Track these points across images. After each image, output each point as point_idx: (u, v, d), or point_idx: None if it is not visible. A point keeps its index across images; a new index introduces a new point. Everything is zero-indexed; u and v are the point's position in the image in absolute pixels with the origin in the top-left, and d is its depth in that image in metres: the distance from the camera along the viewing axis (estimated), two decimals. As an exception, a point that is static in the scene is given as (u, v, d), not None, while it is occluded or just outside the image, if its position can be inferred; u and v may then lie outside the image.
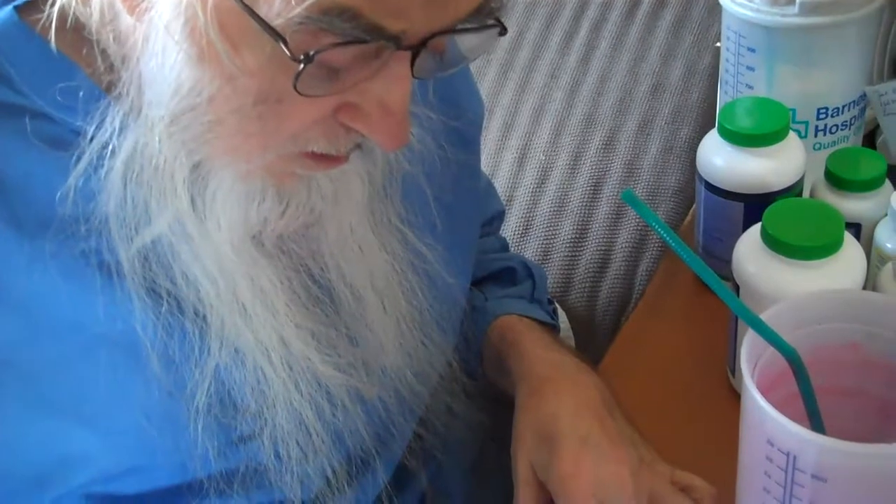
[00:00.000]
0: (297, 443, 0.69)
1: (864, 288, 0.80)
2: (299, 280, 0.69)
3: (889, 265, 0.81)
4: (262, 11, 0.52)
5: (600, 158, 1.30)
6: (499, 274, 0.97)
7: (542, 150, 1.33)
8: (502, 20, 0.59)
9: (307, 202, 0.66)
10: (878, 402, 0.67)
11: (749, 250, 0.80)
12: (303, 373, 0.68)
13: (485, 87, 1.40)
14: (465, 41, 0.60)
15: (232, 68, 0.55)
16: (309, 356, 0.68)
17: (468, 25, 0.57)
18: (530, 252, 1.24)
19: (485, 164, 1.21)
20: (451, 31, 0.57)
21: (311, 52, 0.53)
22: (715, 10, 0.99)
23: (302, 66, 0.53)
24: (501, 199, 1.06)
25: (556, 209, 1.27)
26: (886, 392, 0.66)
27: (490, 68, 1.42)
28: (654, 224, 0.59)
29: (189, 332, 0.65)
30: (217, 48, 0.54)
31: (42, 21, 0.61)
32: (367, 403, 0.74)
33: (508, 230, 1.25)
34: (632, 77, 1.38)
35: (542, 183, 1.30)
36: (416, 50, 0.55)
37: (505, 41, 1.42)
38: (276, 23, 0.52)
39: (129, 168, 0.61)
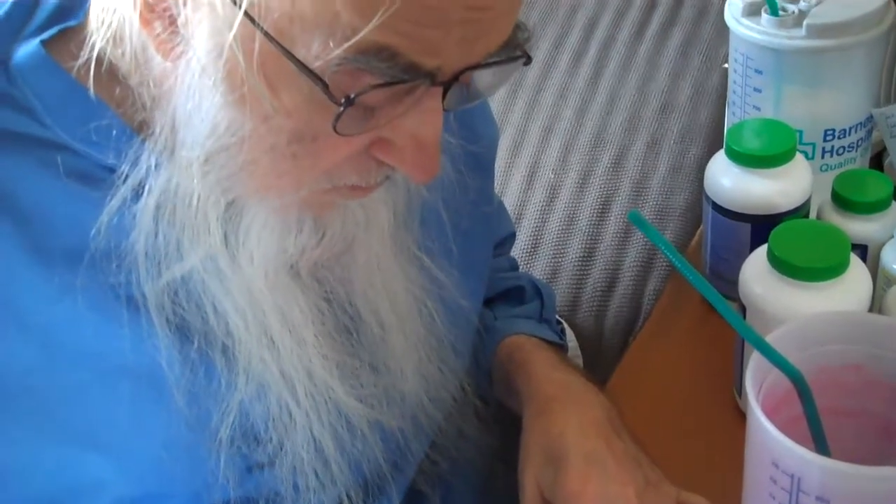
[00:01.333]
0: (315, 472, 0.70)
1: (871, 309, 0.81)
2: (329, 309, 0.69)
3: (895, 288, 0.82)
4: (301, 54, 0.53)
5: (609, 178, 1.31)
6: (508, 293, 0.98)
7: (551, 169, 1.34)
8: (528, 51, 0.60)
9: (342, 230, 0.66)
10: (881, 422, 0.67)
11: (755, 271, 0.81)
12: (325, 403, 0.68)
13: (494, 107, 1.40)
14: (491, 72, 0.60)
15: (268, 109, 0.55)
16: (333, 387, 0.68)
17: (496, 59, 0.58)
18: (539, 270, 1.25)
19: (494, 183, 1.22)
20: (482, 65, 0.58)
21: (352, 95, 0.54)
22: (723, 31, 0.99)
23: (342, 108, 0.54)
24: (511, 217, 1.07)
25: (564, 228, 1.28)
26: (889, 412, 0.67)
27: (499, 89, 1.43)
28: (660, 244, 0.60)
29: (216, 366, 0.66)
30: (255, 90, 0.55)
31: (72, 59, 0.61)
32: (385, 431, 0.74)
33: (518, 248, 1.25)
34: (640, 97, 1.38)
35: (551, 201, 1.31)
36: (448, 85, 0.56)
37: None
38: (315, 65, 0.53)
39: (161, 206, 0.62)
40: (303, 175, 0.60)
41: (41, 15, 0.66)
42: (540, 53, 1.46)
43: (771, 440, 0.58)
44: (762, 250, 0.82)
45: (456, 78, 0.56)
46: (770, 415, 0.59)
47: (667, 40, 1.45)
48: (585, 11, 1.51)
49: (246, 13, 0.52)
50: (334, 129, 0.55)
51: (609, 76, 1.42)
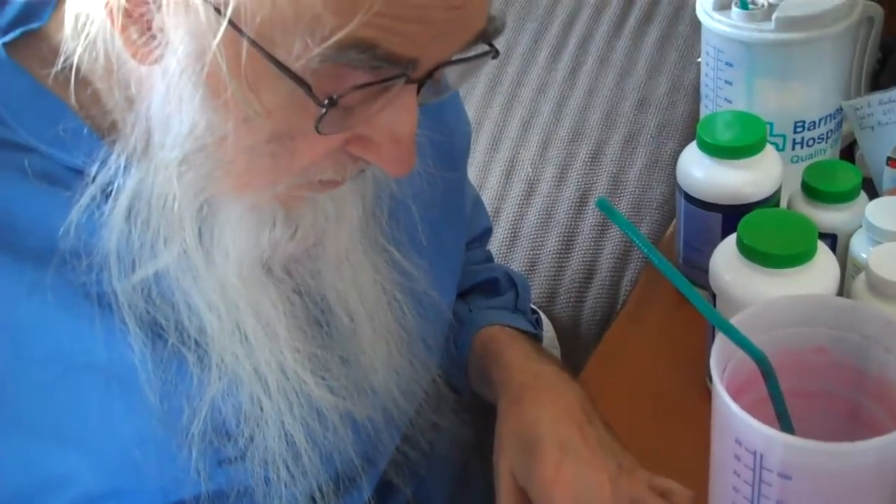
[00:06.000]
0: (286, 465, 0.70)
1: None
2: (300, 302, 0.70)
3: (862, 275, 0.83)
4: (282, 56, 0.54)
5: (587, 171, 1.32)
6: (482, 285, 0.99)
7: (530, 163, 1.35)
8: (495, 45, 0.61)
9: (313, 223, 0.67)
10: (845, 404, 0.69)
11: (725, 259, 0.82)
12: (297, 396, 0.69)
13: (473, 102, 1.42)
14: (461, 66, 0.62)
15: (248, 110, 0.56)
16: (305, 380, 0.69)
17: (468, 55, 0.60)
18: (517, 263, 1.26)
19: (472, 177, 1.23)
20: (454, 61, 0.59)
21: (335, 97, 0.55)
22: (699, 27, 1.01)
23: (325, 109, 0.55)
24: (489, 210, 1.08)
25: (542, 221, 1.29)
26: (853, 395, 0.68)
27: (479, 83, 1.44)
28: (625, 229, 0.61)
29: (188, 363, 0.66)
30: (235, 92, 0.55)
31: (37, 61, 0.62)
32: (356, 423, 0.75)
33: (496, 242, 1.27)
34: (618, 92, 1.40)
35: (530, 195, 1.32)
36: (423, 81, 0.58)
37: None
38: (296, 65, 0.54)
39: (133, 206, 0.62)
40: (279, 173, 0.60)
41: (3, 19, 0.66)
42: (519, 49, 1.48)
43: (734, 418, 0.59)
44: (732, 239, 0.83)
45: (430, 74, 0.58)
46: (735, 397, 0.60)
47: (644, 36, 1.46)
48: (564, 7, 1.52)
49: (230, 21, 0.53)
50: (316, 129, 0.56)
51: (587, 71, 1.43)
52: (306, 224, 0.67)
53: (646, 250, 0.60)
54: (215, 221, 0.63)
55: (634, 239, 0.61)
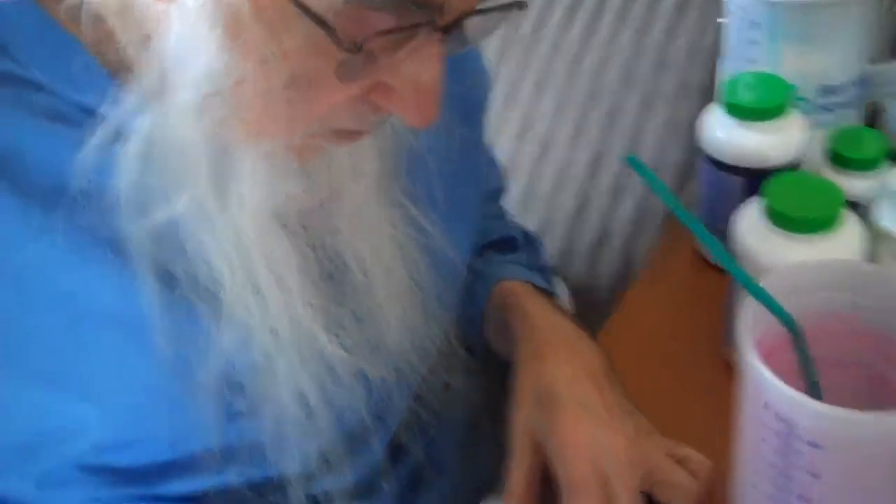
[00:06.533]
0: (298, 421, 0.69)
1: (863, 265, 0.81)
2: (314, 257, 0.69)
3: (887, 243, 0.82)
4: None
5: (602, 132, 1.30)
6: (499, 242, 0.98)
7: (544, 123, 1.33)
8: None
9: (329, 176, 0.66)
10: (871, 371, 0.67)
11: (748, 223, 0.81)
12: (310, 352, 0.68)
13: (487, 60, 1.39)
14: (485, 17, 0.60)
15: (267, 53, 0.54)
16: (317, 335, 0.68)
17: (493, 4, 0.58)
18: (531, 223, 1.23)
19: (486, 135, 1.21)
20: (481, 10, 0.57)
21: (359, 41, 0.53)
22: (718, -12, 0.99)
23: (348, 53, 0.53)
24: (502, 171, 1.06)
25: (557, 182, 1.27)
26: (879, 362, 0.67)
27: (492, 40, 1.42)
28: (656, 188, 0.60)
29: (200, 313, 0.65)
30: (254, 33, 0.54)
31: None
32: (368, 381, 0.74)
33: (509, 202, 1.23)
34: (635, 52, 1.37)
35: (544, 155, 1.30)
36: (449, 29, 0.56)
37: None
38: (319, 6, 0.52)
39: (146, 149, 0.60)
40: (297, 120, 0.59)
41: None
42: (534, 8, 1.45)
43: (765, 384, 0.58)
44: (755, 202, 0.82)
45: (456, 23, 0.56)
46: (759, 366, 0.59)
47: (662, -3, 1.44)
48: (581, -34, 1.50)
49: None
50: (336, 74, 0.54)
51: (604, 30, 1.40)
52: (322, 177, 0.65)
53: (677, 211, 0.59)
54: (230, 169, 0.62)
55: (665, 198, 0.59)
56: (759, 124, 0.89)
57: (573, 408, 0.74)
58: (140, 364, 0.65)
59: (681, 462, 0.75)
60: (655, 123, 1.30)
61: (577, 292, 1.17)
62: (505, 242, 0.98)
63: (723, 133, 0.91)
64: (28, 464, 0.68)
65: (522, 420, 0.77)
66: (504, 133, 1.33)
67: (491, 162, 1.01)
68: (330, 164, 0.66)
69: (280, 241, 0.65)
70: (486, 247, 0.97)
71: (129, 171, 0.61)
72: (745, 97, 0.90)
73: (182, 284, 0.64)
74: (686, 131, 1.27)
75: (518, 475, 0.76)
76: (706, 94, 1.30)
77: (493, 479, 0.81)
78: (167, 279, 0.64)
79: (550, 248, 1.20)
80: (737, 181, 0.91)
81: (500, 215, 1.03)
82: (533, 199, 1.27)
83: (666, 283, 1.00)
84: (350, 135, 0.63)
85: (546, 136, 1.32)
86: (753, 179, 0.88)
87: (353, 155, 0.67)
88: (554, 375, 0.77)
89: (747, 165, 0.90)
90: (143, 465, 0.70)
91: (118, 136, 0.60)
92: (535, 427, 0.76)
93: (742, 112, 0.90)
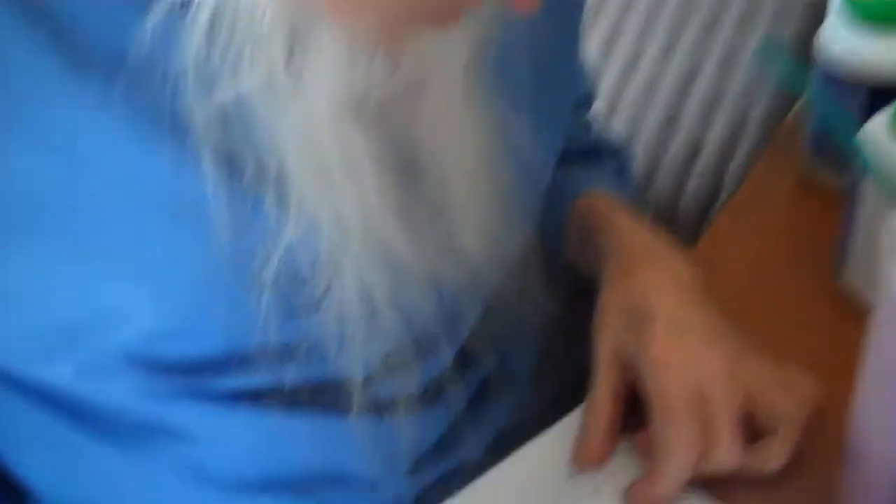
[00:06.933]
0: (363, 321, 0.66)
1: None
2: (392, 151, 0.64)
3: None
4: None
5: (695, 49, 1.24)
6: (584, 152, 0.93)
7: (633, 35, 1.27)
8: None
9: (416, 66, 0.60)
10: None
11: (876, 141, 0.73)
12: (379, 250, 0.64)
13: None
14: None
15: None
16: (388, 233, 0.64)
17: None
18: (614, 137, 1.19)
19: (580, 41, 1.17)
20: None
21: None
22: None
23: None
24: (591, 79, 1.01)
25: (643, 96, 1.22)
26: None
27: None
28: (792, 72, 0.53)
29: (265, 203, 0.61)
30: None
31: None
32: (439, 286, 0.70)
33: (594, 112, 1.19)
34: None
35: (631, 69, 1.25)
36: None
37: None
38: None
39: (216, 19, 0.55)
40: None
41: None
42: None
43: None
44: (882, 117, 0.75)
45: None
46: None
47: None
48: None
49: None
50: None
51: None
52: (409, 62, 0.60)
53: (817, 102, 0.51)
54: (307, 48, 0.57)
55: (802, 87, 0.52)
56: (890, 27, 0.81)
57: (667, 325, 0.70)
58: (197, 251, 0.61)
59: (787, 386, 0.70)
60: (753, 43, 1.22)
61: (659, 214, 1.14)
62: (591, 152, 0.94)
63: (842, 44, 0.84)
64: (69, 350, 0.65)
65: (610, 336, 0.73)
66: (589, 45, 1.27)
67: (580, 68, 0.96)
68: (419, 52, 0.60)
69: (355, 132, 0.61)
70: (570, 156, 0.91)
71: (195, 42, 0.56)
72: None
73: (246, 170, 0.60)
74: (788, 51, 1.20)
75: (602, 392, 0.72)
76: (811, 15, 1.23)
77: (564, 398, 0.77)
78: (230, 164, 0.60)
79: (634, 165, 1.15)
80: (860, 98, 0.83)
81: (587, 124, 0.98)
82: (615, 112, 1.22)
83: (764, 209, 0.94)
84: (441, 19, 0.57)
85: (635, 48, 1.26)
86: (879, 94, 0.80)
87: (442, 44, 0.61)
88: (646, 291, 0.73)
89: (872, 78, 0.82)
90: (195, 356, 0.66)
91: (185, 4, 0.56)
92: (624, 344, 0.72)
93: (869, 13, 0.82)
